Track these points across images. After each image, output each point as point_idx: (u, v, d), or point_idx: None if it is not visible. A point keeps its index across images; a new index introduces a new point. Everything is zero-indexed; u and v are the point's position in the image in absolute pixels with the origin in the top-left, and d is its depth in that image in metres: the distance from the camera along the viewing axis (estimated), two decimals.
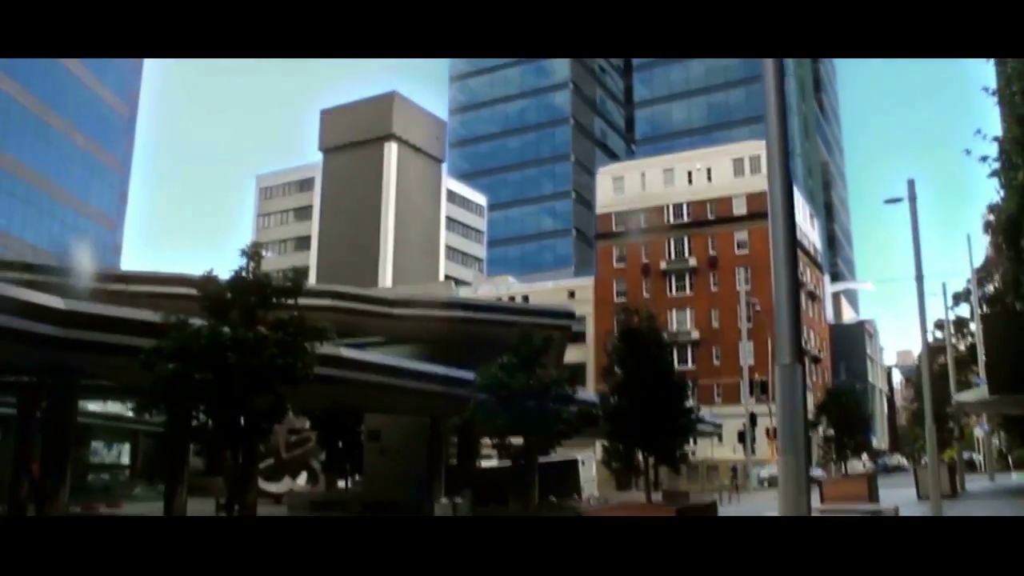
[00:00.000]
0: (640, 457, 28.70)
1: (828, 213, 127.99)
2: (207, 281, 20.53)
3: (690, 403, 32.01)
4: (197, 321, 19.65)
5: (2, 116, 40.38)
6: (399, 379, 30.17)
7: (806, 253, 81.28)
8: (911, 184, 24.64)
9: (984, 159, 17.47)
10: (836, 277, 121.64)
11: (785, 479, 6.03)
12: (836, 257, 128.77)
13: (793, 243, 6.26)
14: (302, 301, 21.90)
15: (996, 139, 17.71)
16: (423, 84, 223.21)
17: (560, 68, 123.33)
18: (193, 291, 21.06)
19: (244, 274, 20.41)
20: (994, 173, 18.12)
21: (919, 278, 24.40)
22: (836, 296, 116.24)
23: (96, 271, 34.02)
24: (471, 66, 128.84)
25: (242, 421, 19.51)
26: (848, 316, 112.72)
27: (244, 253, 20.64)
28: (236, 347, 18.74)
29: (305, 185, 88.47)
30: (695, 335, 69.43)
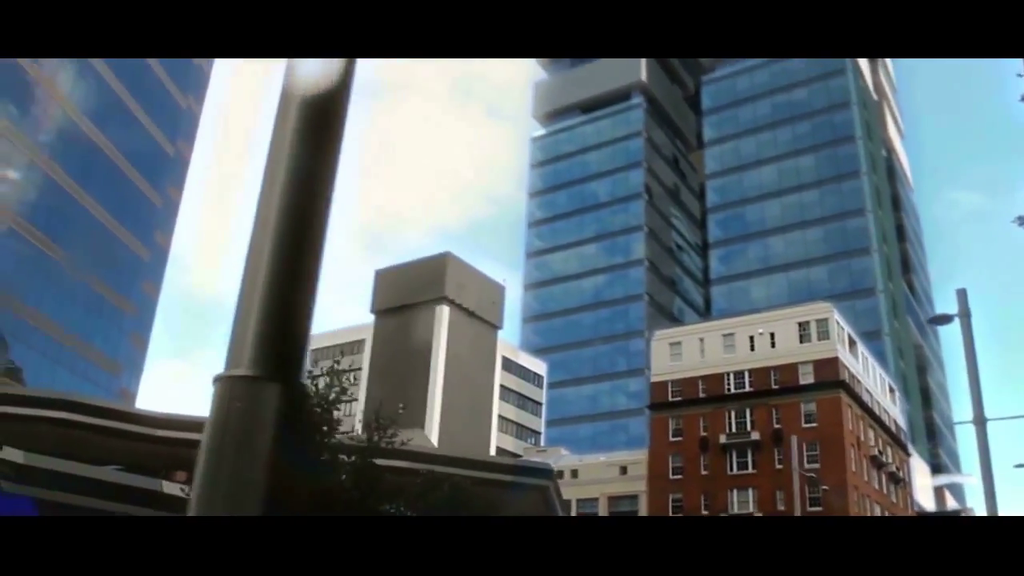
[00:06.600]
0: None
1: (925, 399, 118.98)
2: None
3: None
4: None
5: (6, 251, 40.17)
6: None
7: (886, 430, 73.67)
8: (962, 296, 19.62)
9: None
10: (938, 469, 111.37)
11: None
12: (937, 448, 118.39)
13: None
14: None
15: None
16: (498, 260, 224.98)
17: (636, 246, 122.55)
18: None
19: None
20: None
21: (979, 421, 18.95)
22: (939, 490, 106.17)
23: None
24: (548, 243, 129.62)
25: None
26: (952, 507, 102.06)
27: None
28: None
29: (357, 347, 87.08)
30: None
